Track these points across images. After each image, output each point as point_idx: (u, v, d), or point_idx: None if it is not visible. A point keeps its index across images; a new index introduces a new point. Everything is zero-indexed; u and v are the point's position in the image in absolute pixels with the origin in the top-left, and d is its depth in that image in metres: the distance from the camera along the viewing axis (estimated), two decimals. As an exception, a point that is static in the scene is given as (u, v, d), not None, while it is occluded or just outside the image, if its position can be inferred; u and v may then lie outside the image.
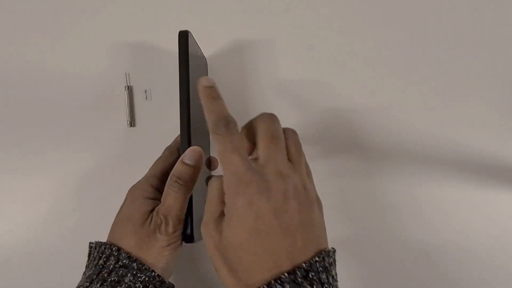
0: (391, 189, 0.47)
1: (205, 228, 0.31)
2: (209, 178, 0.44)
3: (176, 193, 0.35)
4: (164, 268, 0.36)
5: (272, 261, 0.28)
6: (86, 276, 0.34)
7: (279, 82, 0.48)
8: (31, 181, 0.47)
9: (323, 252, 0.29)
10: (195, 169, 0.35)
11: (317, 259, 0.28)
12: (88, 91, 0.48)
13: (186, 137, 0.35)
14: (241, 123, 0.48)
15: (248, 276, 0.29)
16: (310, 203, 0.31)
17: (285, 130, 0.33)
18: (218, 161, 0.31)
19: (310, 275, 0.28)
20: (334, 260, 0.31)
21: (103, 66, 0.48)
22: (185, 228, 0.36)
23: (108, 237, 0.37)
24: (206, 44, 0.45)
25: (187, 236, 0.36)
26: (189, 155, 0.35)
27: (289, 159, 0.31)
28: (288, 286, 0.27)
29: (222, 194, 0.30)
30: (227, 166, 0.30)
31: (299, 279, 0.27)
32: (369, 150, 0.47)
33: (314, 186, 0.33)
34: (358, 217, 0.48)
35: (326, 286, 0.28)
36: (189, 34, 0.36)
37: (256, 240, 0.28)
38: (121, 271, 0.33)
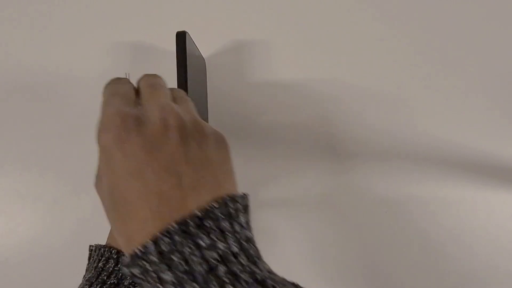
0: (391, 189, 0.47)
1: (95, 182, 0.28)
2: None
3: None
4: None
5: (149, 208, 0.24)
6: (86, 279, 0.34)
7: (277, 82, 0.48)
8: (31, 181, 0.48)
9: (225, 197, 0.25)
10: None
11: (214, 205, 0.24)
12: (88, 91, 0.48)
13: None
14: (241, 123, 0.48)
15: (127, 227, 0.25)
16: (202, 137, 0.27)
17: (171, 88, 0.30)
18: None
19: (207, 224, 0.24)
20: (245, 207, 0.27)
21: (103, 66, 0.48)
22: None
23: (108, 239, 0.37)
24: (205, 44, 0.45)
25: None
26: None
27: (174, 102, 0.28)
28: (178, 238, 0.23)
29: None
30: (103, 108, 0.26)
31: (192, 229, 0.23)
32: (368, 150, 0.47)
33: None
34: (358, 217, 0.48)
35: (229, 234, 0.24)
36: (186, 34, 0.36)
37: (125, 183, 0.24)
38: (120, 274, 0.34)
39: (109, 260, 0.34)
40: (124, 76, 0.45)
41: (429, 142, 0.47)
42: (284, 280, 0.25)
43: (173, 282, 0.23)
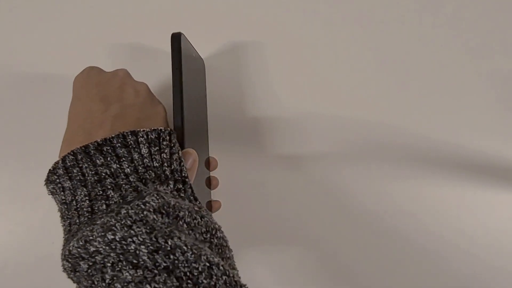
0: (391, 190, 0.47)
1: None
2: (209, 179, 0.45)
3: None
4: None
5: (77, 123, 0.32)
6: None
7: (276, 82, 0.48)
8: (31, 181, 0.48)
9: (126, 132, 0.31)
10: (190, 171, 0.35)
11: (113, 135, 0.30)
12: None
13: (180, 139, 0.35)
14: (241, 123, 0.48)
15: (62, 145, 0.33)
16: (140, 90, 0.36)
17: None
18: None
19: (105, 149, 0.30)
20: (150, 140, 0.31)
21: (102, 66, 0.48)
22: None
23: None
24: (204, 45, 0.45)
25: None
26: (185, 157, 0.35)
27: None
28: (79, 157, 0.30)
29: None
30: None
31: (92, 151, 0.30)
32: (367, 151, 0.47)
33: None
34: (357, 217, 0.48)
35: (124, 159, 0.30)
36: (181, 36, 0.36)
37: (74, 103, 0.34)
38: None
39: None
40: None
41: (429, 142, 0.47)
42: (170, 195, 0.30)
43: (70, 188, 0.30)
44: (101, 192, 0.29)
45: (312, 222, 0.48)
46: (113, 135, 0.30)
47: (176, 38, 0.36)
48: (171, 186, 0.31)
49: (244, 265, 0.48)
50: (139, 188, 0.29)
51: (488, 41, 0.47)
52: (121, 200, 0.28)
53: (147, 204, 0.27)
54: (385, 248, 0.47)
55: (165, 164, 0.31)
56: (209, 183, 0.44)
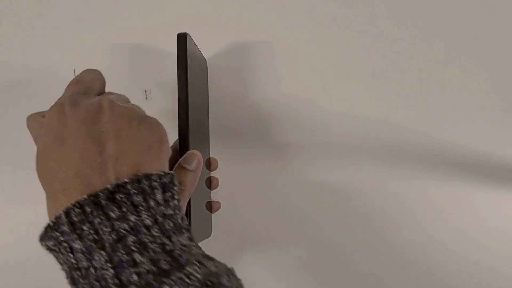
0: (391, 190, 0.47)
1: None
2: (209, 179, 0.45)
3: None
4: None
5: (73, 169, 0.26)
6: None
7: (278, 83, 0.48)
8: (31, 181, 0.47)
9: (139, 175, 0.26)
10: (194, 173, 0.35)
11: (126, 180, 0.26)
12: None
13: (185, 140, 0.35)
14: (242, 124, 0.48)
15: (53, 188, 0.27)
16: (133, 119, 0.29)
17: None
18: None
19: (118, 197, 0.25)
20: (163, 185, 0.28)
21: (104, 67, 0.48)
22: None
23: None
24: (206, 46, 0.45)
25: None
26: (188, 159, 0.34)
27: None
28: (89, 209, 0.24)
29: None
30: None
31: (103, 201, 0.25)
32: (370, 152, 0.47)
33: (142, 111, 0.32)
34: (357, 217, 0.48)
35: (142, 208, 0.26)
36: (187, 36, 0.36)
37: (59, 147, 0.27)
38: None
39: None
40: (125, 77, 0.45)
41: (429, 142, 0.47)
42: (199, 254, 0.27)
43: (82, 251, 0.24)
44: (125, 257, 0.24)
45: (312, 223, 0.48)
46: (126, 180, 0.26)
47: (182, 38, 0.36)
48: (186, 235, 0.28)
49: (244, 265, 0.48)
50: (167, 247, 0.25)
51: (488, 41, 0.47)
52: (153, 268, 0.24)
53: (192, 277, 0.24)
54: (385, 248, 0.48)
55: (176, 210, 0.28)
56: (209, 183, 0.44)
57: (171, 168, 0.36)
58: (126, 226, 0.25)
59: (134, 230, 0.25)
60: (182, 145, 0.35)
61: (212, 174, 0.46)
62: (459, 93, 0.47)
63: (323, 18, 0.47)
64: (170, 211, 0.27)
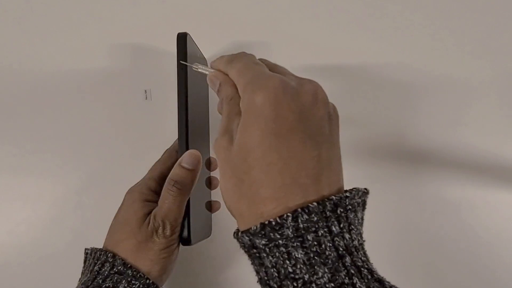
0: (390, 190, 0.47)
1: (216, 142, 0.27)
2: (209, 179, 0.45)
3: (174, 196, 0.35)
4: (161, 271, 0.36)
5: (289, 175, 0.23)
6: (81, 282, 0.34)
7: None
8: (31, 181, 0.48)
9: (354, 189, 0.24)
10: (193, 172, 0.35)
11: (347, 194, 0.23)
12: (88, 92, 0.48)
13: (184, 140, 0.35)
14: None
15: (257, 191, 0.23)
16: (337, 121, 0.27)
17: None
18: (233, 79, 0.27)
19: (339, 211, 0.23)
20: (364, 203, 0.26)
21: (104, 67, 0.48)
22: (182, 230, 0.36)
23: (105, 241, 0.37)
24: (207, 46, 0.45)
25: (185, 239, 0.36)
26: (187, 159, 0.35)
27: None
28: (316, 218, 0.22)
29: (237, 105, 0.26)
30: (246, 72, 0.26)
31: (328, 213, 0.22)
32: (369, 152, 0.47)
33: None
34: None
35: (353, 227, 0.23)
36: (187, 36, 0.36)
37: (271, 144, 0.23)
38: (116, 278, 0.33)
39: (105, 264, 0.34)
40: (126, 78, 0.45)
41: (429, 142, 0.47)
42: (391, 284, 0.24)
43: (304, 262, 0.22)
44: (347, 280, 0.21)
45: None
46: (347, 194, 0.23)
47: (182, 38, 0.36)
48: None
49: (243, 265, 0.48)
50: (375, 275, 0.23)
51: (488, 40, 0.47)
52: None
53: None
54: (384, 248, 0.47)
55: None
56: (209, 183, 0.44)
57: (170, 168, 0.36)
58: (343, 244, 0.22)
59: (348, 250, 0.23)
60: (182, 145, 0.35)
61: (212, 174, 0.46)
62: (459, 92, 0.47)
63: (324, 18, 0.47)
64: (361, 230, 0.25)
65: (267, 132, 0.23)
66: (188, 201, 0.36)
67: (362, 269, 0.22)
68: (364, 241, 0.25)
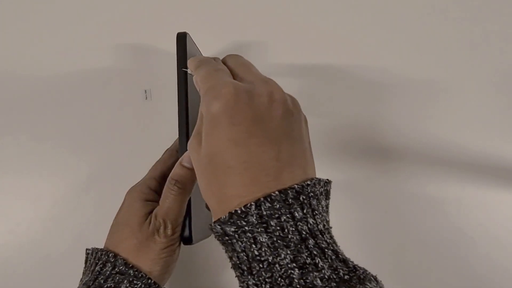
0: (390, 189, 0.47)
1: (189, 142, 0.29)
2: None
3: (174, 196, 0.35)
4: (162, 271, 0.36)
5: (249, 176, 0.25)
6: (83, 282, 0.34)
7: (279, 83, 0.48)
8: (31, 181, 0.48)
9: (314, 178, 0.26)
10: (194, 172, 0.35)
11: (308, 182, 0.25)
12: (88, 92, 0.48)
13: (184, 139, 0.35)
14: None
15: (222, 191, 0.26)
16: (299, 115, 0.28)
17: None
18: (200, 85, 0.29)
19: (301, 198, 0.25)
20: (327, 192, 0.28)
21: (104, 67, 0.48)
22: (183, 230, 0.36)
23: (106, 241, 0.37)
24: (207, 46, 0.45)
25: (186, 238, 0.36)
26: (188, 158, 0.35)
27: None
28: (278, 205, 0.24)
29: None
30: (209, 80, 0.28)
31: (291, 200, 0.25)
32: (368, 151, 0.47)
33: None
34: (358, 217, 0.48)
35: (317, 212, 0.25)
36: (187, 35, 0.36)
37: (230, 150, 0.25)
38: (117, 278, 0.33)
39: (106, 264, 0.34)
40: (126, 78, 0.45)
41: (429, 142, 0.47)
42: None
43: (268, 245, 0.24)
44: (309, 260, 0.24)
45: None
46: (308, 182, 0.25)
47: (182, 38, 0.36)
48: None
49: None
50: (340, 256, 0.25)
51: (488, 40, 0.47)
52: (334, 276, 0.23)
53: None
54: (384, 248, 0.48)
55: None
56: None
57: (171, 167, 0.36)
58: (306, 228, 0.25)
59: (311, 233, 0.25)
60: (182, 145, 0.35)
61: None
62: (458, 92, 0.47)
63: (325, 18, 0.47)
64: (328, 218, 0.27)
65: (225, 140, 0.25)
66: (189, 200, 0.36)
67: (326, 250, 0.24)
68: (330, 227, 0.27)
